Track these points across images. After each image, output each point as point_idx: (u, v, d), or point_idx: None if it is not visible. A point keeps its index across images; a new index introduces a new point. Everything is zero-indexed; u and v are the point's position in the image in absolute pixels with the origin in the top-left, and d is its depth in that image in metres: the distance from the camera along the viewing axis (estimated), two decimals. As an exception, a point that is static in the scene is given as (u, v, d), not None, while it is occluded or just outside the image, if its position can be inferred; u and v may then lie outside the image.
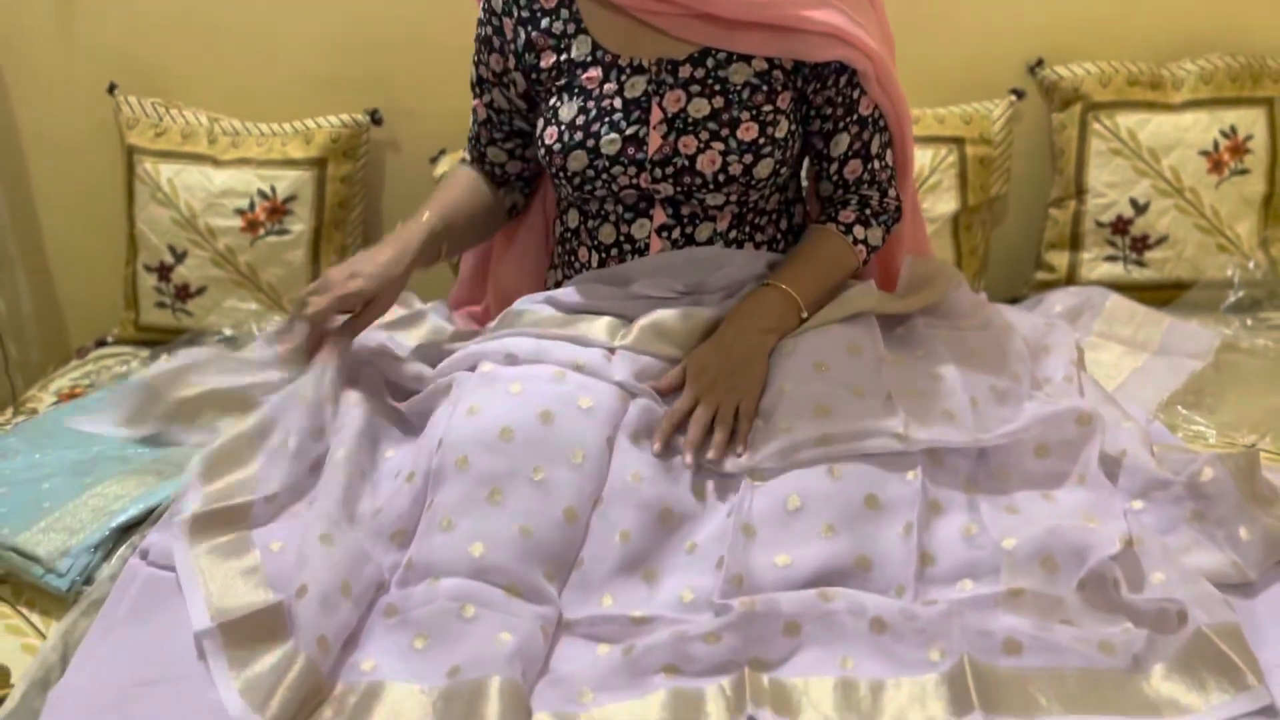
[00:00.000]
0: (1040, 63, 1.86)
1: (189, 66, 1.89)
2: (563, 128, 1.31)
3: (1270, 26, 1.84)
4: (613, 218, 1.34)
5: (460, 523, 1.09)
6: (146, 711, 0.94)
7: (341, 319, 1.28)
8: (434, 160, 1.87)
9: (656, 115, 1.28)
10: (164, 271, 1.81)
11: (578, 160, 1.30)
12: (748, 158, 1.28)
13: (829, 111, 1.32)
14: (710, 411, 1.18)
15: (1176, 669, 0.95)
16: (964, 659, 0.95)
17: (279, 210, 1.79)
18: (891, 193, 1.38)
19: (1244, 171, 1.77)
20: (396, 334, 1.40)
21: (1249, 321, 1.68)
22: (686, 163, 1.28)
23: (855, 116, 1.33)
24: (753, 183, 1.29)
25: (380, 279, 1.27)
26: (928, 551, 1.08)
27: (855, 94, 1.32)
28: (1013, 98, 1.84)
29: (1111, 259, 1.80)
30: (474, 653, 1.00)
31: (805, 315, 1.26)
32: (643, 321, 1.26)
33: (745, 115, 1.27)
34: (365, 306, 1.28)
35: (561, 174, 1.32)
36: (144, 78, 1.88)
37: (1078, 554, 1.05)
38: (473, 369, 1.25)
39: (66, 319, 2.07)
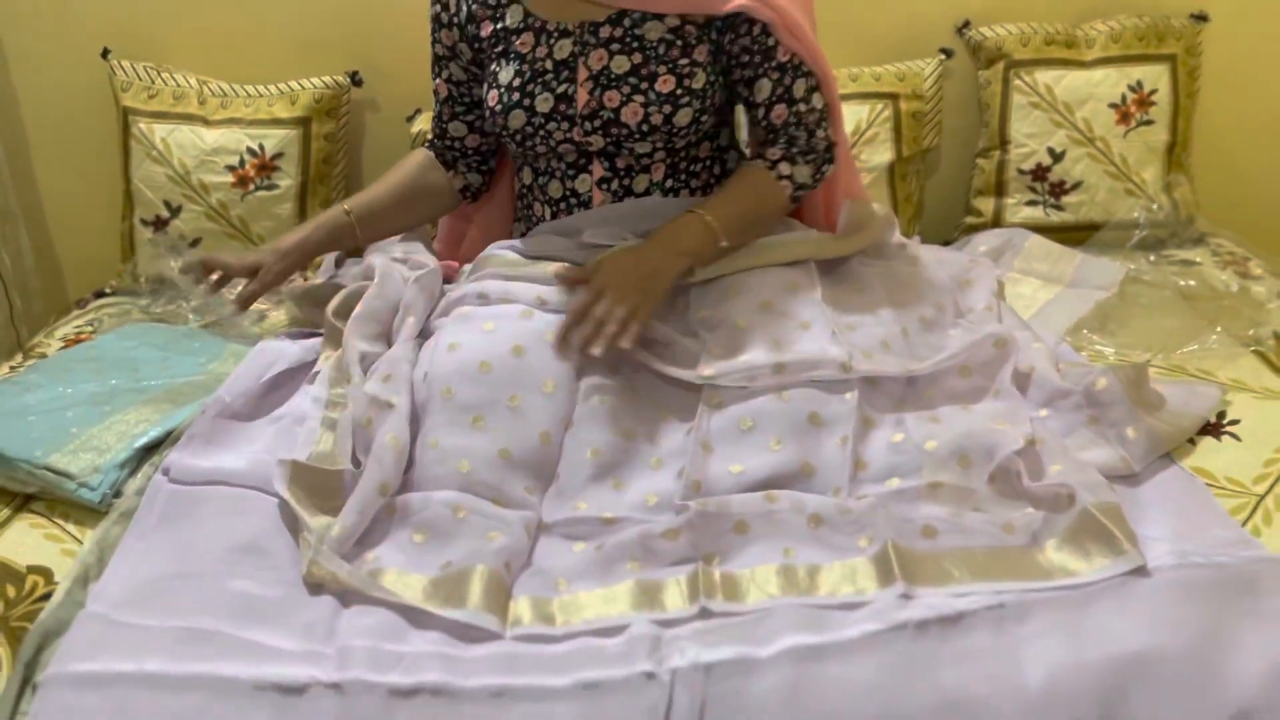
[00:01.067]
0: (967, 24, 1.97)
1: (179, 32, 1.93)
2: (502, 90, 1.42)
3: (1174, -11, 1.94)
4: (558, 174, 1.44)
5: (448, 444, 1.18)
6: (179, 597, 1.04)
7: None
8: (410, 119, 1.95)
9: (583, 73, 1.39)
10: (160, 225, 1.88)
11: (517, 119, 1.41)
12: (666, 108, 1.37)
13: (746, 59, 1.40)
14: (607, 308, 1.24)
15: (1067, 541, 1.05)
16: (888, 543, 1.05)
17: (267, 167, 1.86)
18: (820, 133, 1.43)
19: (1149, 122, 1.90)
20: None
21: (1152, 258, 1.79)
22: (612, 115, 1.38)
23: (774, 63, 1.39)
24: (675, 131, 1.39)
25: (270, 252, 1.49)
26: (861, 458, 1.18)
27: (770, 41, 1.38)
28: (942, 56, 1.95)
29: (1032, 203, 1.91)
30: (465, 548, 1.10)
31: (724, 243, 1.32)
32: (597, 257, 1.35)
33: (662, 69, 1.37)
34: (253, 272, 1.48)
35: (505, 133, 1.43)
36: (136, 43, 1.93)
37: (988, 452, 1.17)
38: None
39: (65, 272, 2.12)
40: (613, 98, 1.38)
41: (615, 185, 1.43)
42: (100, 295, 1.91)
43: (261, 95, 1.91)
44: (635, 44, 1.39)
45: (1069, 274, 1.72)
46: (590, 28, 1.40)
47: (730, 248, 1.36)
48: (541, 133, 1.41)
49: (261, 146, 1.87)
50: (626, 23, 1.40)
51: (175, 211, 1.88)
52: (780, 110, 1.41)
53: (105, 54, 1.94)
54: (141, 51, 1.94)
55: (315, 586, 1.07)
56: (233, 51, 1.95)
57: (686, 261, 1.34)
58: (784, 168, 1.42)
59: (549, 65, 1.40)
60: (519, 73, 1.42)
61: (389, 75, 1.96)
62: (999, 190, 1.93)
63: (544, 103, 1.40)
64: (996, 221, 1.93)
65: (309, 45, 1.94)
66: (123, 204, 1.92)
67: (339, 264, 1.74)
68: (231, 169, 1.86)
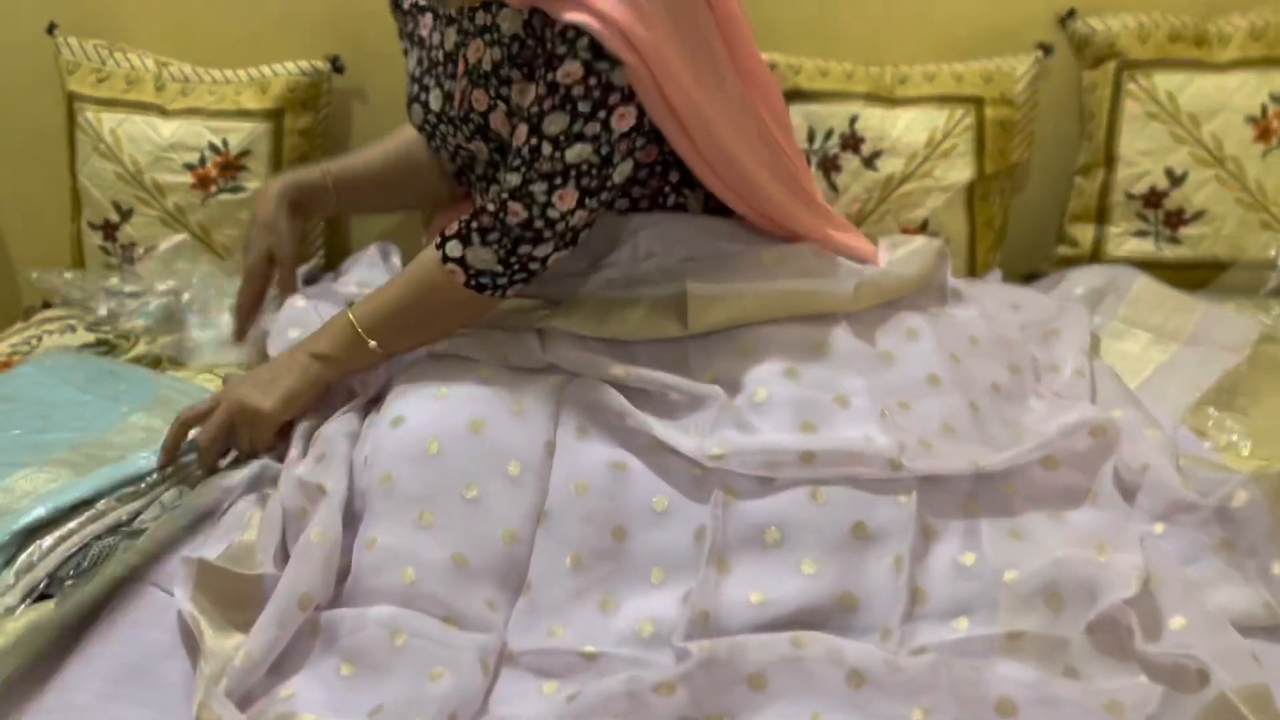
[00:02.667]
0: (1072, 13, 1.69)
1: (135, 5, 1.75)
2: (409, 80, 1.25)
3: (1331, -23, 1.66)
4: (476, 187, 1.25)
5: (388, 545, 1.00)
6: None
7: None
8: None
9: (460, 67, 1.16)
10: (109, 230, 1.69)
11: (416, 115, 1.23)
12: (523, 127, 1.09)
13: (540, 51, 1.08)
14: (219, 418, 1.14)
15: None
16: None
17: (232, 166, 1.66)
18: (539, 197, 1.07)
19: None
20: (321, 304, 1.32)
21: None
22: (481, 120, 1.15)
23: (550, 77, 1.05)
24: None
25: (270, 234, 1.33)
26: (920, 587, 1.01)
27: (563, 50, 1.04)
28: (1040, 53, 1.68)
29: (1142, 234, 1.64)
30: (401, 691, 0.92)
31: (373, 344, 1.14)
32: (567, 302, 1.18)
33: (517, 74, 1.11)
34: (272, 267, 1.34)
35: (416, 130, 1.26)
36: (86, 17, 1.75)
37: (1087, 591, 0.96)
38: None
39: (19, 278, 1.94)
40: (480, 99, 1.15)
41: None
42: (48, 305, 1.72)
43: (228, 82, 1.71)
44: (495, 36, 1.14)
45: (1188, 329, 1.46)
46: (469, 13, 1.17)
47: (386, 350, 1.17)
48: (437, 134, 1.22)
49: (226, 142, 1.66)
50: (493, 8, 1.15)
51: (126, 215, 1.69)
52: (522, 131, 1.08)
53: (51, 29, 1.75)
54: (93, 27, 1.75)
55: None
56: (196, 29, 1.76)
57: (318, 367, 1.15)
58: (453, 248, 1.11)
59: (440, 56, 1.20)
60: (420, 61, 1.23)
61: (380, 61, 1.73)
62: (1101, 217, 1.66)
63: (436, 99, 1.20)
64: (1095, 255, 1.67)
65: (285, 24, 1.74)
66: (70, 204, 1.74)
67: (307, 281, 1.57)
68: (190, 167, 1.66)
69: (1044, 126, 1.71)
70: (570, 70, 1.04)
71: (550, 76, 1.05)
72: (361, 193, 1.38)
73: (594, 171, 1.07)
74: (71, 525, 1.11)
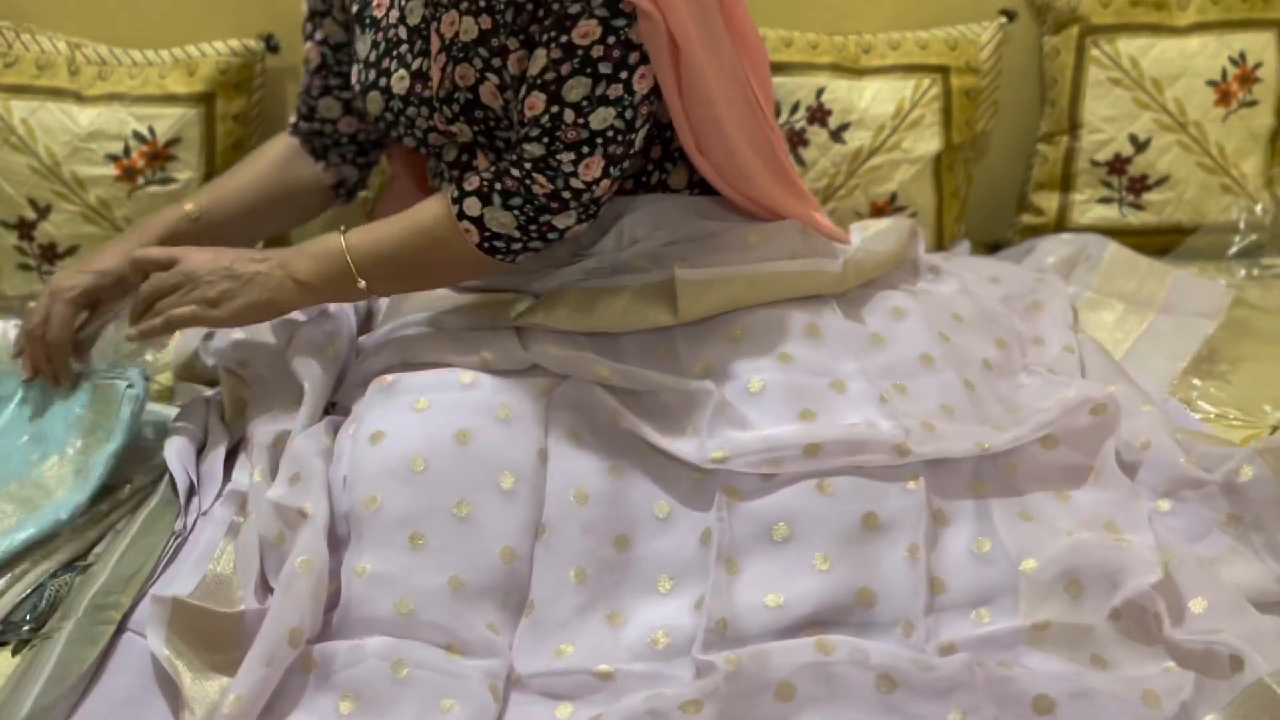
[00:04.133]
0: None
1: None
2: (360, 65, 1.15)
3: (1284, -63, 1.67)
4: (446, 175, 1.17)
5: (380, 571, 0.94)
6: None
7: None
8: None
9: (435, 43, 1.09)
10: (25, 229, 1.55)
11: (374, 103, 1.14)
12: (540, 95, 1.04)
13: (541, 13, 1.03)
14: (169, 283, 1.07)
15: None
16: None
17: (160, 155, 1.55)
18: (565, 167, 1.03)
19: (1252, 103, 1.61)
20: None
21: (1255, 270, 1.56)
22: (469, 96, 1.08)
23: (564, 39, 1.00)
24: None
25: (109, 275, 1.14)
26: (937, 576, 0.98)
27: (576, 9, 0.99)
28: (1003, 19, 1.65)
29: (1106, 200, 1.64)
30: None
31: (362, 284, 1.08)
32: (548, 294, 1.11)
33: (513, 42, 1.05)
34: (93, 309, 1.16)
35: (371, 119, 1.16)
36: None
37: (1108, 577, 0.95)
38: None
39: None
40: (465, 74, 1.08)
41: None
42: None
43: (151, 64, 1.59)
44: (481, 4, 1.06)
45: (1161, 296, 1.46)
46: None
47: (371, 292, 1.10)
48: (403, 119, 1.13)
49: (152, 130, 1.55)
50: None
51: (43, 212, 1.56)
52: (536, 101, 1.02)
53: (-51, 9, 1.59)
54: (-4, 6, 1.61)
55: None
56: (111, 7, 1.63)
57: (292, 291, 1.08)
58: (471, 205, 1.06)
59: (403, 34, 1.11)
60: (375, 44, 1.14)
61: (315, 38, 1.62)
62: (1065, 184, 1.65)
63: (400, 82, 1.11)
64: (1060, 222, 1.65)
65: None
66: None
67: None
68: (114, 158, 1.54)
69: (1005, 93, 1.68)
70: (587, 29, 0.98)
71: (564, 39, 0.99)
72: (232, 227, 1.24)
73: (619, 137, 1.03)
74: (23, 566, 1.03)
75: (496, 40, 1.05)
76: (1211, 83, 1.60)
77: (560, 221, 1.06)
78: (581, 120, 1.00)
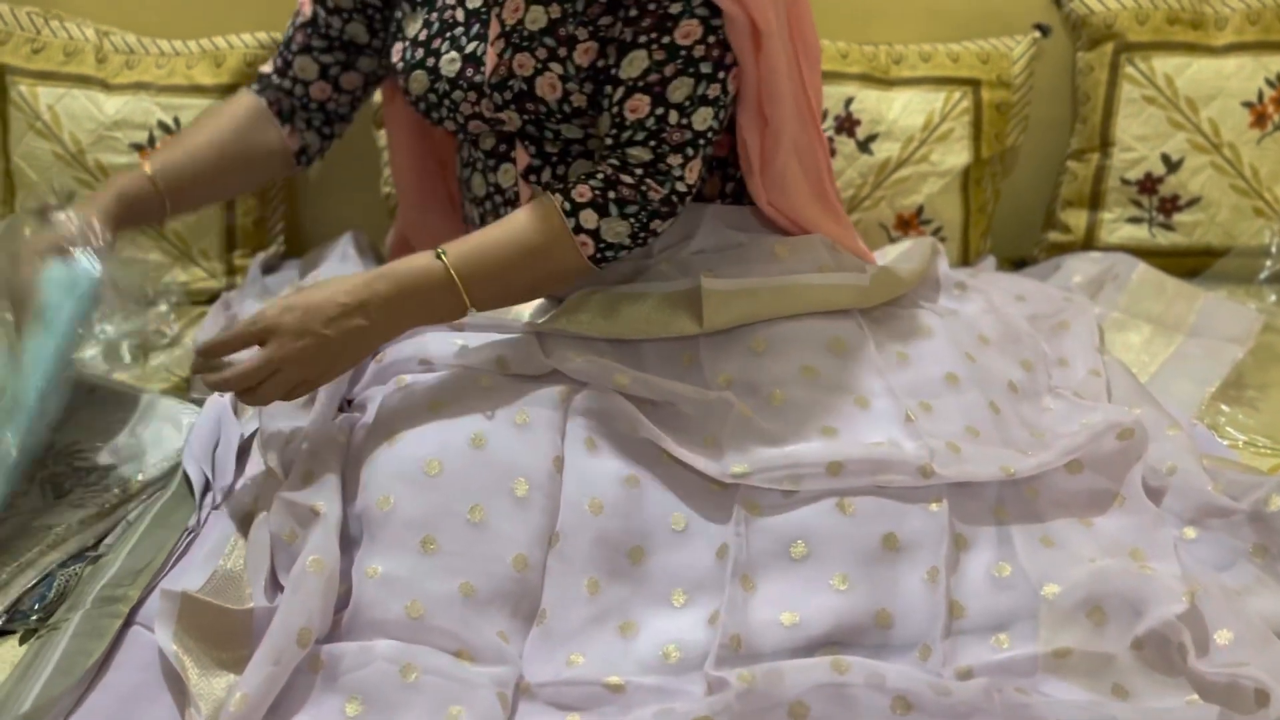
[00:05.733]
0: None
1: None
2: (407, 44, 1.14)
3: (1325, -41, 1.64)
4: (480, 165, 1.16)
5: (391, 573, 0.94)
6: None
7: None
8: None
9: (494, 28, 1.08)
10: (47, 216, 1.55)
11: (418, 83, 1.13)
12: (589, 87, 1.06)
13: (634, 14, 1.02)
14: (278, 388, 0.99)
15: None
16: None
17: None
18: (674, 171, 1.04)
19: None
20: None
21: None
22: (524, 85, 1.07)
23: (666, 40, 1.01)
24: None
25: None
26: (956, 600, 0.96)
27: (678, 9, 1.00)
28: (1037, 34, 1.63)
29: (1135, 220, 1.61)
30: None
31: (472, 311, 1.05)
32: (571, 297, 1.09)
33: (582, 33, 1.04)
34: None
35: (409, 99, 1.15)
36: None
37: (1131, 606, 0.94)
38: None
39: None
40: (524, 63, 1.07)
41: (548, 176, 1.13)
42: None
43: (178, 53, 1.59)
44: None
45: (1190, 320, 1.44)
46: None
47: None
48: (447, 102, 1.12)
49: (177, 120, 1.55)
50: None
51: (67, 199, 1.53)
52: (639, 103, 1.02)
53: (-22, -7, 1.60)
54: (26, -8, 1.61)
55: None
56: None
57: (391, 336, 1.05)
58: (588, 218, 1.04)
59: (459, 16, 1.10)
60: (426, 23, 1.13)
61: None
62: (1094, 202, 1.63)
63: (450, 64, 1.10)
64: (1089, 241, 1.63)
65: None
66: (3, 187, 1.59)
67: (266, 270, 1.51)
68: (138, 147, 1.54)
69: (1036, 109, 1.66)
70: (690, 29, 0.99)
71: (667, 40, 1.00)
72: (196, 189, 1.21)
73: (713, 139, 1.04)
74: (31, 554, 1.02)
75: (565, 30, 1.04)
76: (1247, 104, 1.57)
77: (662, 226, 1.06)
78: (685, 121, 1.01)
